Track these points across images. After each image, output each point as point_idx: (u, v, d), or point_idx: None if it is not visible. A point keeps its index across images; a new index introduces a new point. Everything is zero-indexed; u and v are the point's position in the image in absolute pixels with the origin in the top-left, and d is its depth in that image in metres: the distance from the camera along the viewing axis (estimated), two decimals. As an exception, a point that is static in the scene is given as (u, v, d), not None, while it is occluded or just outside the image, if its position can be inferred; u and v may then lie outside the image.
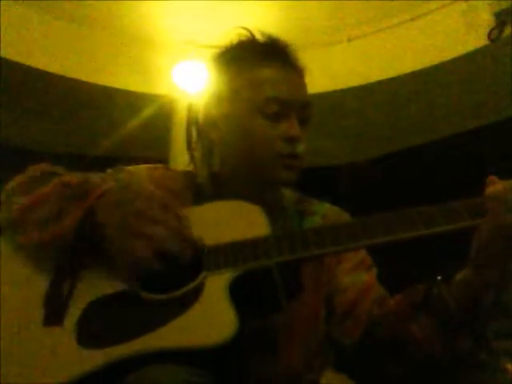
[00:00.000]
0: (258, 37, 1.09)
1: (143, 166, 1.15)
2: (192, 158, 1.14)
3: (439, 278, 0.96)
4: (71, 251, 0.91)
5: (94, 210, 0.90)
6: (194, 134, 1.14)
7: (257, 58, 1.05)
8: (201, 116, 1.12)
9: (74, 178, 0.98)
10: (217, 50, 1.12)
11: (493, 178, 0.89)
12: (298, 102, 1.04)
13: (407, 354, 0.97)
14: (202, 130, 1.12)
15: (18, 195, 0.98)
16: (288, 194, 1.15)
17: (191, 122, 1.14)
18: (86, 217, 0.90)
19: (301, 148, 1.03)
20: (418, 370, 0.98)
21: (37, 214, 0.93)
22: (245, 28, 1.10)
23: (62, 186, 0.95)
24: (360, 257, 1.10)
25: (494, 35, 3.51)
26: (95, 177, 1.01)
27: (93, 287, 0.92)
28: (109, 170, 1.11)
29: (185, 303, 0.85)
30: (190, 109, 1.14)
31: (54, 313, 0.90)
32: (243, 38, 1.09)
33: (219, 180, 1.11)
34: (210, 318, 0.83)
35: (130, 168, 1.12)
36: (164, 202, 0.91)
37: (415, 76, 3.96)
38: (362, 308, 1.04)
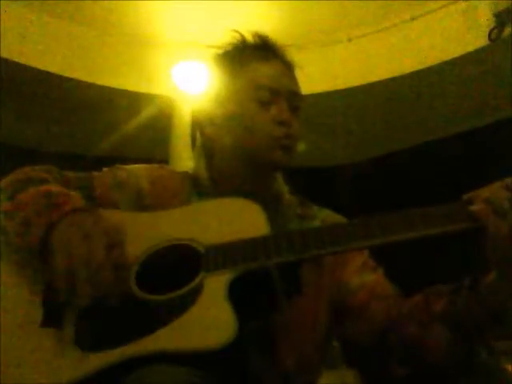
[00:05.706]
0: (251, 37, 1.16)
1: (142, 166, 1.15)
2: (194, 157, 1.16)
3: (466, 280, 0.92)
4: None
5: (54, 227, 0.89)
6: (198, 134, 1.16)
7: (249, 56, 1.13)
8: (201, 116, 1.15)
9: (54, 188, 0.97)
10: (214, 54, 1.18)
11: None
12: (288, 91, 1.11)
13: (418, 358, 0.96)
14: (202, 130, 1.15)
15: (3, 200, 0.97)
16: (288, 195, 1.15)
17: (194, 122, 1.17)
18: (46, 231, 0.89)
19: (293, 131, 1.08)
20: (425, 373, 0.98)
21: (16, 220, 0.92)
22: (236, 31, 1.16)
23: (41, 196, 0.94)
24: (363, 259, 1.10)
25: (494, 35, 3.52)
26: (75, 193, 0.98)
27: None
28: (105, 169, 1.11)
29: (183, 304, 0.84)
30: (192, 110, 1.18)
31: (51, 314, 0.89)
32: (236, 40, 1.16)
33: (218, 178, 1.12)
34: (209, 321, 0.83)
35: (127, 167, 1.12)
36: (114, 244, 0.87)
37: (415, 76, 3.96)
38: (376, 307, 1.04)
